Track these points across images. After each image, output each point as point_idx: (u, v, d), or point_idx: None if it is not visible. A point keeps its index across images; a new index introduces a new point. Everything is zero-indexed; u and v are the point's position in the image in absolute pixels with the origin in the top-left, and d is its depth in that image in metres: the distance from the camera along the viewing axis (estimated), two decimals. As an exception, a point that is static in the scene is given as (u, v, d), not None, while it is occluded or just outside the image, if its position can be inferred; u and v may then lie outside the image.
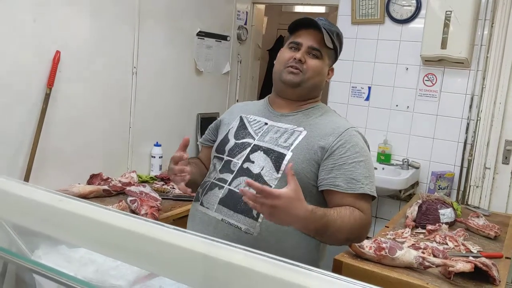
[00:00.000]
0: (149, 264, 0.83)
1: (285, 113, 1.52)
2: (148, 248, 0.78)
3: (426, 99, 3.07)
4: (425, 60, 3.01)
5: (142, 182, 2.66)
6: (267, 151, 1.42)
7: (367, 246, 1.77)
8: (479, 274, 1.68)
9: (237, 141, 1.49)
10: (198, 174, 1.56)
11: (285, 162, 1.38)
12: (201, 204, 1.46)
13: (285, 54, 1.50)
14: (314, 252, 1.46)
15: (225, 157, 1.48)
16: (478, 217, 2.43)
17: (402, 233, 2.16)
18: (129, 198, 2.25)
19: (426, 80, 3.07)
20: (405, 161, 3.07)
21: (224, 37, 3.55)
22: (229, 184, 1.42)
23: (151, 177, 2.85)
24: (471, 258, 1.79)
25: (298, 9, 5.79)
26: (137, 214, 2.15)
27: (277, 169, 1.39)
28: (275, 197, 1.12)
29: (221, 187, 1.42)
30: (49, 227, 0.83)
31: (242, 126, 1.54)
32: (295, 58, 1.46)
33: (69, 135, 2.47)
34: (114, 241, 0.78)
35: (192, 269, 0.74)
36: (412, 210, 2.37)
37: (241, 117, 1.58)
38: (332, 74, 1.58)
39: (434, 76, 3.04)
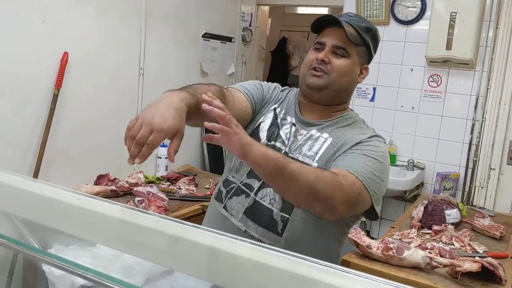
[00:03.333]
0: (163, 259, 0.84)
1: (313, 121, 1.42)
2: (162, 243, 0.79)
3: (431, 100, 3.08)
4: (430, 61, 3.02)
5: (149, 182, 2.67)
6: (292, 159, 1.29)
7: (375, 246, 1.78)
8: (486, 274, 1.68)
9: (268, 143, 1.39)
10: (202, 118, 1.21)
11: None
12: (225, 208, 1.39)
13: (310, 55, 1.41)
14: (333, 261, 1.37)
15: None
16: (483, 217, 2.44)
17: (408, 233, 2.17)
18: (137, 199, 2.27)
19: (431, 81, 3.08)
20: (410, 162, 3.08)
21: (229, 39, 3.57)
22: (255, 194, 1.34)
23: (157, 178, 2.86)
24: (477, 258, 1.79)
25: (301, 10, 5.81)
26: (144, 214, 2.16)
27: None
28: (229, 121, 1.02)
29: (247, 195, 1.35)
30: (68, 225, 0.84)
31: (274, 124, 1.42)
32: (317, 59, 1.36)
33: (77, 136, 2.48)
34: (132, 238, 0.79)
35: (207, 265, 0.75)
36: (418, 211, 2.38)
37: (274, 109, 1.46)
38: (367, 73, 1.45)
39: (439, 77, 3.05)
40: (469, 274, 1.67)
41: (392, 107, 3.22)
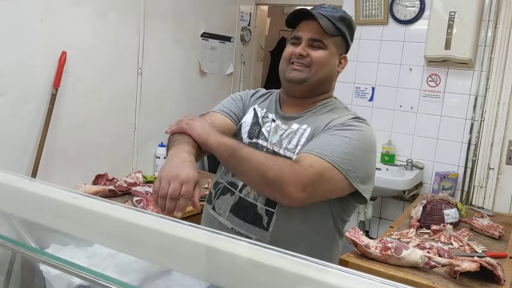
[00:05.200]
0: (161, 258, 0.83)
1: (293, 114, 1.43)
2: (160, 243, 0.79)
3: (430, 100, 3.08)
4: (429, 61, 3.01)
5: (147, 182, 2.67)
6: (274, 154, 1.35)
7: (373, 246, 1.77)
8: (485, 273, 1.68)
9: (250, 141, 1.42)
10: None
11: None
12: (213, 208, 1.43)
13: (287, 50, 1.42)
14: (329, 259, 1.39)
15: None
16: (482, 217, 2.43)
17: (407, 233, 2.16)
18: (135, 198, 2.27)
19: (430, 81, 3.07)
20: (409, 162, 3.08)
21: (228, 38, 3.57)
22: (240, 191, 1.37)
23: (156, 178, 2.86)
24: (476, 258, 1.79)
25: (301, 10, 5.81)
26: (143, 214, 2.15)
27: None
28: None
29: (232, 193, 1.38)
30: (64, 225, 0.84)
31: (256, 123, 1.45)
32: (296, 53, 1.38)
33: (75, 136, 2.48)
34: (129, 237, 0.79)
35: (204, 264, 0.75)
36: (416, 211, 2.37)
37: (254, 110, 1.49)
38: (346, 62, 1.45)
39: (438, 77, 3.05)
40: (467, 274, 1.66)
41: (391, 107, 3.22)
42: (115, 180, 2.46)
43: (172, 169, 1.11)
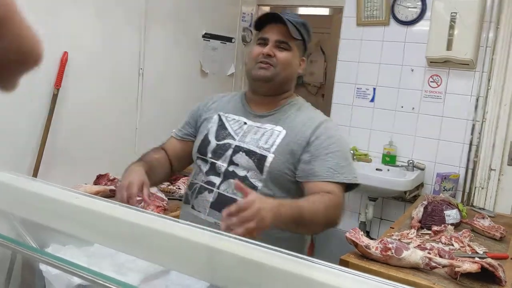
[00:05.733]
0: (161, 258, 0.83)
1: (263, 113, 1.56)
2: (160, 243, 0.79)
3: (431, 101, 3.08)
4: (430, 62, 3.01)
5: (148, 182, 2.66)
6: (249, 153, 1.47)
7: (373, 246, 1.77)
8: (485, 274, 1.67)
9: (218, 142, 1.53)
10: (158, 176, 1.58)
11: (267, 164, 1.45)
12: (192, 207, 1.51)
13: (254, 50, 1.53)
14: (299, 245, 1.56)
15: (209, 159, 1.53)
16: (483, 218, 2.43)
17: (407, 234, 2.16)
18: (136, 198, 2.26)
19: (431, 82, 3.07)
20: (410, 163, 3.07)
21: (229, 39, 3.57)
22: (218, 188, 1.47)
23: (157, 178, 2.86)
24: (477, 259, 1.78)
25: (302, 11, 5.80)
26: (144, 214, 2.15)
27: (261, 171, 1.45)
28: (252, 202, 1.12)
29: (210, 191, 1.48)
30: (65, 224, 0.84)
31: (221, 126, 1.57)
32: (263, 53, 1.49)
33: (76, 136, 2.48)
34: (130, 237, 0.79)
35: (203, 263, 0.75)
36: (417, 211, 2.37)
37: (219, 115, 1.60)
38: (304, 64, 1.60)
39: (439, 78, 3.04)
40: (468, 275, 1.66)
41: (392, 107, 3.21)
42: (116, 180, 2.46)
43: (124, 179, 1.40)
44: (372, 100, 3.29)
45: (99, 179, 2.47)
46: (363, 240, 1.79)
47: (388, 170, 3.12)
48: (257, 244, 0.71)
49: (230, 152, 1.50)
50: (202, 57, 3.30)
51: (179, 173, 1.66)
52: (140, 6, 2.74)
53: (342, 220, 3.31)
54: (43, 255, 0.85)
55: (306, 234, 1.49)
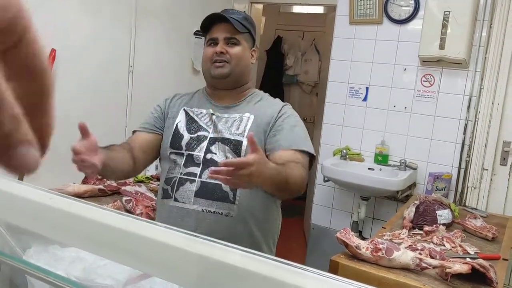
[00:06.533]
0: (142, 263, 0.81)
1: (229, 105, 1.64)
2: (141, 248, 0.76)
3: (424, 100, 3.06)
4: (423, 61, 3.00)
5: (138, 182, 2.63)
6: (224, 141, 1.55)
7: (364, 247, 1.75)
8: (477, 275, 1.66)
9: (192, 135, 1.59)
10: (117, 160, 1.54)
11: (243, 147, 1.53)
12: (175, 200, 1.55)
13: (207, 51, 1.62)
14: (276, 224, 1.68)
15: (185, 152, 1.57)
16: (475, 218, 2.42)
17: (399, 234, 2.14)
18: (124, 198, 2.23)
19: (424, 81, 3.06)
20: (403, 162, 3.06)
21: (221, 37, 3.54)
22: (200, 177, 1.52)
23: (146, 177, 2.82)
24: (468, 259, 1.77)
25: (296, 9, 5.78)
26: (132, 213, 2.13)
27: (238, 155, 1.52)
28: (250, 165, 1.19)
29: (192, 181, 1.53)
30: (39, 226, 0.82)
31: (190, 120, 1.63)
32: (216, 52, 1.58)
33: (64, 134, 2.42)
34: (106, 240, 0.76)
35: (185, 269, 0.72)
36: (409, 211, 2.35)
37: (185, 110, 1.66)
38: (256, 55, 1.71)
39: (432, 77, 3.03)
40: (459, 276, 1.64)
41: (385, 107, 3.20)
42: (104, 180, 2.43)
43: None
44: (365, 99, 3.27)
45: (87, 179, 2.43)
46: (354, 240, 1.77)
47: (381, 169, 3.11)
48: (248, 252, 0.68)
49: (205, 143, 1.56)
50: (194, 55, 3.27)
51: (143, 168, 1.65)
52: (130, 2, 2.71)
53: (335, 219, 3.34)
54: (19, 262, 0.82)
55: (278, 197, 1.59)
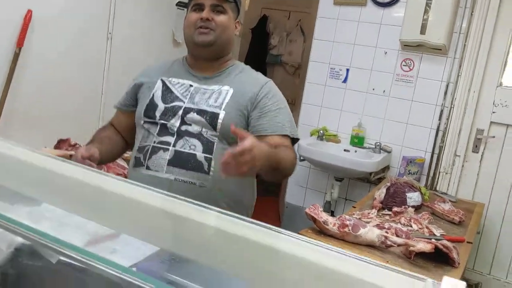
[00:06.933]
0: (113, 221, 0.80)
1: (208, 76, 1.59)
2: (113, 205, 0.76)
3: (403, 84, 3.08)
4: (404, 45, 3.00)
5: (112, 150, 2.61)
6: (200, 112, 1.50)
7: (331, 222, 1.77)
8: (440, 255, 1.69)
9: (166, 105, 1.54)
10: (110, 150, 1.61)
11: (219, 120, 1.49)
12: (148, 168, 1.51)
13: (191, 17, 1.55)
14: (251, 194, 1.66)
15: (159, 121, 1.53)
16: (444, 202, 2.46)
17: (368, 213, 2.17)
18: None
19: (403, 65, 3.07)
20: (378, 145, 3.08)
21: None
22: (174, 146, 1.49)
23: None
24: (433, 240, 1.80)
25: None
26: (103, 181, 2.11)
27: (214, 128, 1.49)
28: (250, 149, 1.18)
29: (166, 150, 1.50)
30: (9, 180, 0.80)
31: (167, 90, 1.58)
32: (202, 18, 1.52)
33: (38, 98, 2.40)
34: (76, 196, 0.75)
35: (159, 228, 0.72)
36: (380, 192, 2.38)
37: (162, 80, 1.61)
38: (239, 26, 1.65)
39: (411, 62, 3.04)
40: (423, 255, 1.67)
41: (364, 89, 3.21)
42: (78, 145, 2.39)
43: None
44: (345, 81, 3.27)
45: (60, 144, 2.39)
46: (322, 216, 1.79)
47: (356, 151, 3.13)
48: (210, 209, 0.68)
49: (180, 113, 1.52)
50: (175, 26, 3.22)
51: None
52: (111, -32, 2.64)
53: (309, 199, 3.35)
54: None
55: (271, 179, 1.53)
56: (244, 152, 1.17)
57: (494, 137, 2.89)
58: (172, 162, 1.48)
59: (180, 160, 1.48)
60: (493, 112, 2.88)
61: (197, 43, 1.54)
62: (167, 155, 1.49)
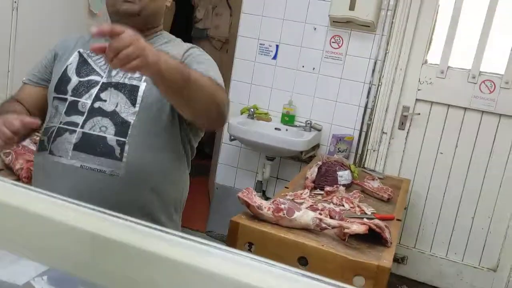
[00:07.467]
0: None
1: None
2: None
3: (332, 62, 3.05)
4: (333, 21, 2.96)
5: (23, 133, 2.36)
6: (118, 86, 1.35)
7: (266, 207, 1.70)
8: (373, 235, 1.69)
9: (81, 79, 1.37)
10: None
11: (140, 93, 1.33)
12: (51, 153, 1.32)
13: None
14: (178, 188, 1.47)
15: (69, 98, 1.36)
16: (373, 180, 2.49)
17: (301, 194, 2.14)
18: (4, 151, 1.98)
19: (332, 42, 3.04)
20: (308, 123, 3.05)
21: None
22: (82, 127, 1.31)
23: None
24: (365, 219, 1.80)
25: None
26: (11, 168, 1.89)
27: (133, 103, 1.33)
28: (136, 40, 1.01)
29: (72, 131, 1.31)
30: None
31: (83, 62, 1.41)
32: None
33: None
34: None
35: (55, 246, 0.57)
36: (311, 172, 2.35)
37: (79, 52, 1.43)
38: None
39: (340, 39, 3.02)
40: (356, 236, 1.66)
41: (294, 66, 3.15)
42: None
43: None
44: (275, 57, 3.19)
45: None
46: (256, 200, 1.71)
47: (287, 130, 3.08)
48: (107, 214, 0.55)
49: (96, 89, 1.35)
50: (91, -4, 2.95)
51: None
52: None
53: (240, 179, 3.22)
54: None
55: (191, 111, 1.29)
56: (131, 42, 1.00)
57: (419, 114, 2.96)
58: (78, 146, 1.30)
59: (88, 144, 1.30)
60: (419, 90, 2.93)
61: (121, 12, 1.36)
62: (73, 138, 1.30)
